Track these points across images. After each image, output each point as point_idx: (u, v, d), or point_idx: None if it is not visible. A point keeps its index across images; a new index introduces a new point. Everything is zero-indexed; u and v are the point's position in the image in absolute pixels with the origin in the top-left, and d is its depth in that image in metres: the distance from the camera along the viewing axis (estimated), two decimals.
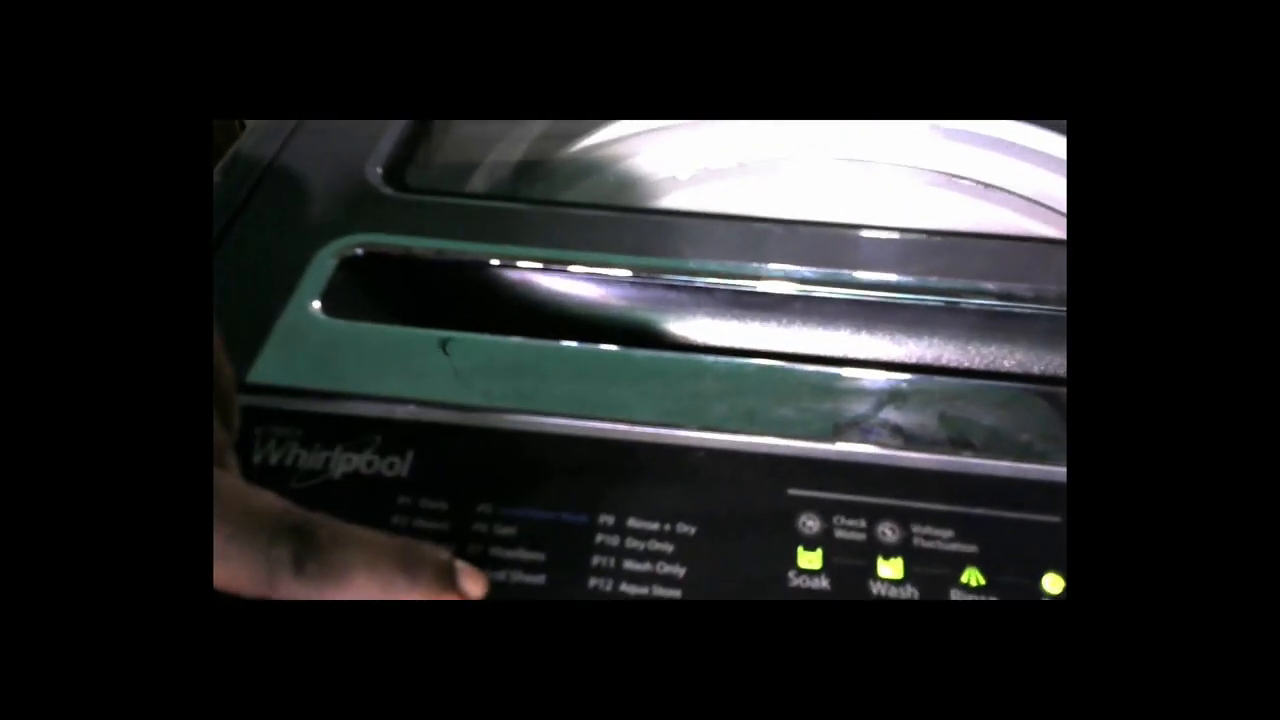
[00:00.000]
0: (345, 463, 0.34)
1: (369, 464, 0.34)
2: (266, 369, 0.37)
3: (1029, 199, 0.63)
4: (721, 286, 0.41)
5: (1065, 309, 0.40)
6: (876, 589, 0.32)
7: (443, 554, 0.30)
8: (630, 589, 0.32)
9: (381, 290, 0.41)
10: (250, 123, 0.53)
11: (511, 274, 0.42)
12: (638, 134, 0.65)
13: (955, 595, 0.32)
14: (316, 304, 0.39)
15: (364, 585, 0.28)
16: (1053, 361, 0.40)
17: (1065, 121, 0.63)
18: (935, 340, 0.40)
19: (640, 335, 0.40)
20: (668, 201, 0.62)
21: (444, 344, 0.38)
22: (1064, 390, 0.37)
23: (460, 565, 0.30)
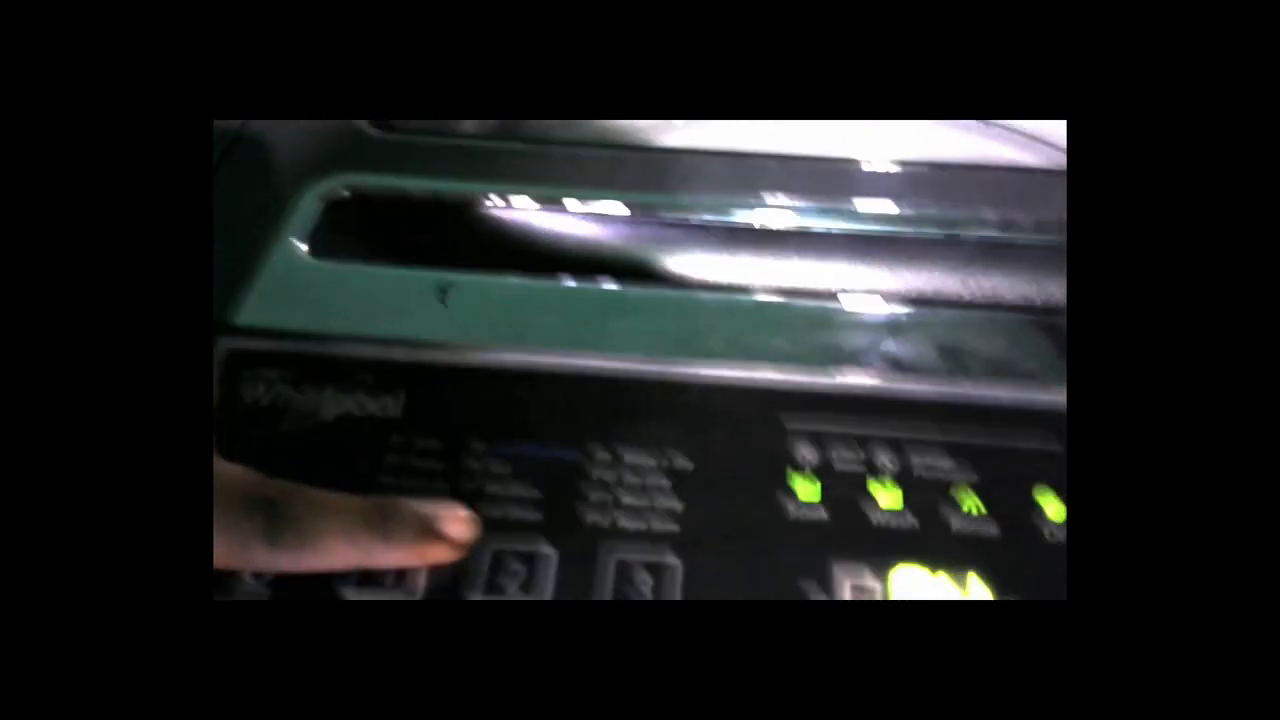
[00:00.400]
0: (336, 404, 0.34)
1: (360, 405, 0.34)
2: (253, 311, 0.36)
3: (1027, 134, 0.61)
4: (716, 222, 0.41)
5: (1061, 238, 0.39)
6: (875, 519, 0.32)
7: (421, 508, 0.30)
8: (627, 523, 0.31)
9: (369, 231, 0.40)
10: None
11: (501, 212, 0.41)
12: None
13: (955, 524, 0.31)
14: (303, 246, 0.38)
15: (343, 552, 0.28)
16: (1050, 291, 0.39)
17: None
18: (932, 272, 0.40)
19: (634, 271, 0.39)
20: (662, 140, 0.60)
21: (441, 288, 0.37)
22: (1060, 319, 0.36)
23: (443, 512, 0.30)
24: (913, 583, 0.30)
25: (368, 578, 0.30)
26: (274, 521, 0.27)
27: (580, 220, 0.41)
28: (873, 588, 0.30)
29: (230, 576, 0.30)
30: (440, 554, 0.30)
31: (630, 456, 0.33)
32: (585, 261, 0.39)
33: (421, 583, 0.30)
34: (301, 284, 0.37)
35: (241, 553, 0.27)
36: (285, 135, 0.44)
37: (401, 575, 0.30)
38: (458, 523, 0.30)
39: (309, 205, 0.40)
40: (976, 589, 0.30)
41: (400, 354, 0.35)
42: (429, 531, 0.29)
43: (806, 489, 0.32)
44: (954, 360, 0.35)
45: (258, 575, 0.30)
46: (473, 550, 0.30)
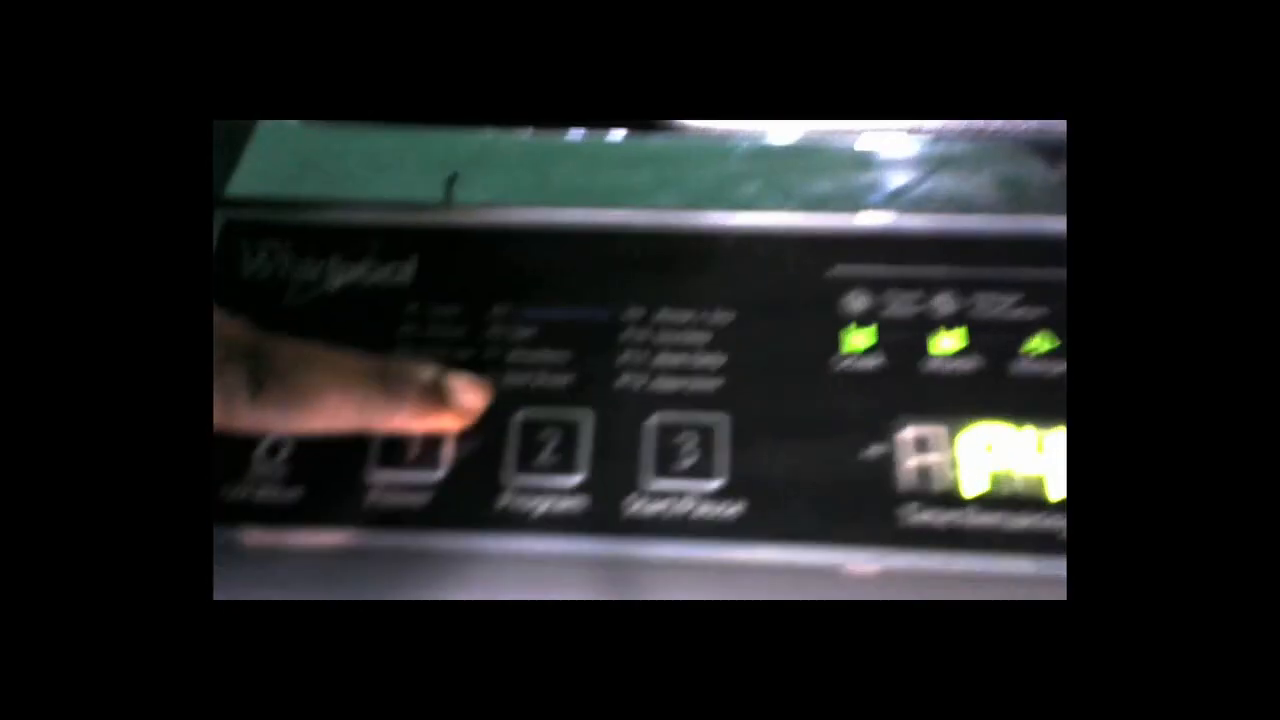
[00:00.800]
0: (343, 273, 0.31)
1: (370, 271, 0.31)
2: (247, 179, 0.33)
3: None
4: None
5: None
6: (934, 365, 0.29)
7: (429, 369, 0.27)
8: (665, 384, 0.29)
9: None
10: None
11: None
12: None
13: (1021, 365, 0.29)
14: None
15: (337, 408, 0.26)
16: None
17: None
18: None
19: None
20: None
21: (449, 179, 0.34)
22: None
23: (454, 378, 0.28)
24: (982, 443, 0.28)
25: (391, 454, 0.28)
26: (258, 373, 0.25)
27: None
28: (937, 445, 0.27)
29: (242, 465, 0.28)
30: (447, 420, 0.27)
31: (666, 313, 0.30)
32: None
33: (448, 456, 0.28)
34: (297, 149, 0.34)
35: (224, 407, 0.25)
36: None
37: (427, 451, 0.28)
38: (466, 387, 0.28)
39: None
40: (1051, 441, 0.27)
41: (408, 218, 0.32)
42: (434, 394, 0.27)
43: (858, 335, 0.29)
44: (1016, 189, 0.32)
45: (271, 452, 0.28)
46: (498, 419, 0.28)
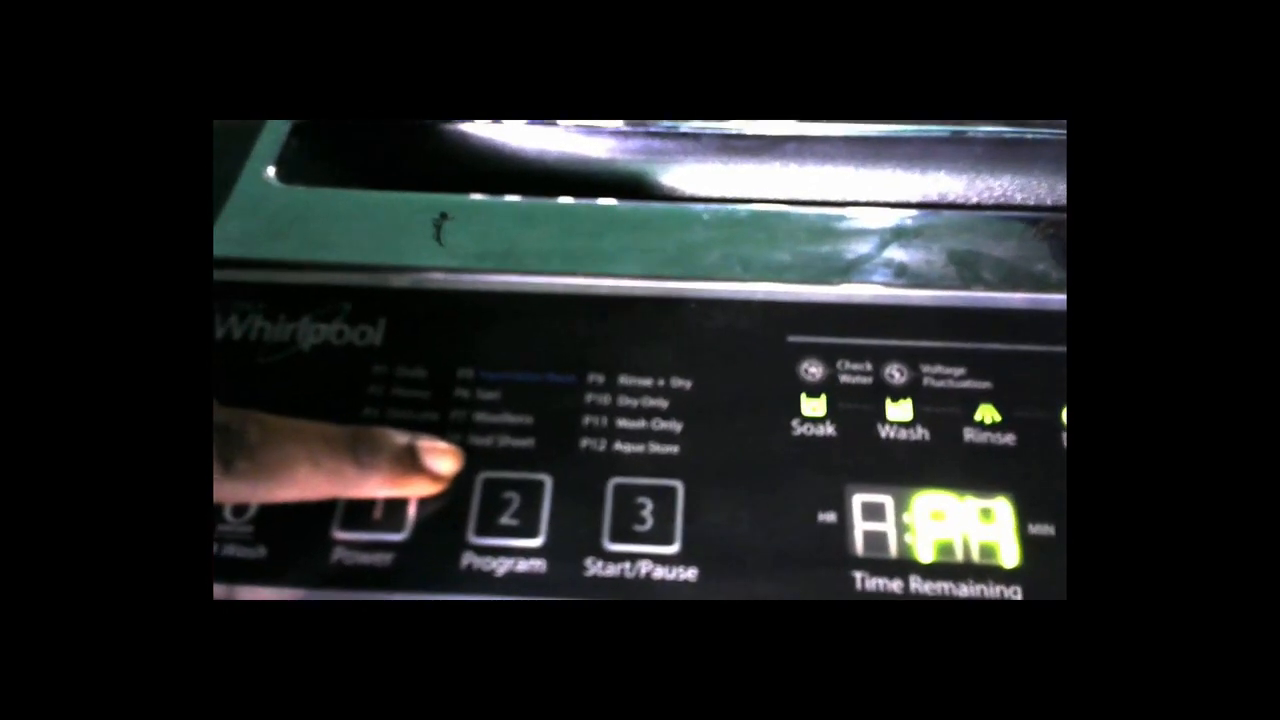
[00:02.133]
0: (314, 333, 0.32)
1: (339, 334, 0.32)
2: (223, 241, 0.34)
3: None
4: (709, 132, 0.39)
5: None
6: (885, 432, 0.30)
7: (398, 436, 0.28)
8: (625, 448, 0.30)
9: (340, 153, 0.38)
10: None
11: (482, 129, 0.39)
12: None
13: (969, 434, 0.30)
14: (271, 170, 0.36)
15: (308, 479, 0.27)
16: (1064, 189, 0.37)
17: None
18: (939, 173, 0.38)
19: (623, 186, 0.37)
20: None
21: (439, 216, 0.35)
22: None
23: (425, 443, 0.28)
24: (931, 510, 0.29)
25: (355, 516, 0.29)
26: (227, 447, 0.25)
27: (568, 135, 0.39)
28: (888, 512, 0.28)
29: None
30: (420, 485, 0.28)
31: (626, 379, 0.31)
32: (576, 177, 0.37)
33: (410, 518, 0.29)
34: (272, 211, 0.35)
35: None
36: None
37: (390, 512, 0.29)
38: (438, 453, 0.28)
39: (276, 129, 0.38)
40: (1000, 508, 0.28)
41: (379, 279, 0.33)
42: (407, 460, 0.28)
43: (812, 403, 0.30)
44: (965, 264, 0.33)
45: (237, 513, 0.28)
46: (462, 481, 0.29)
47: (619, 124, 0.38)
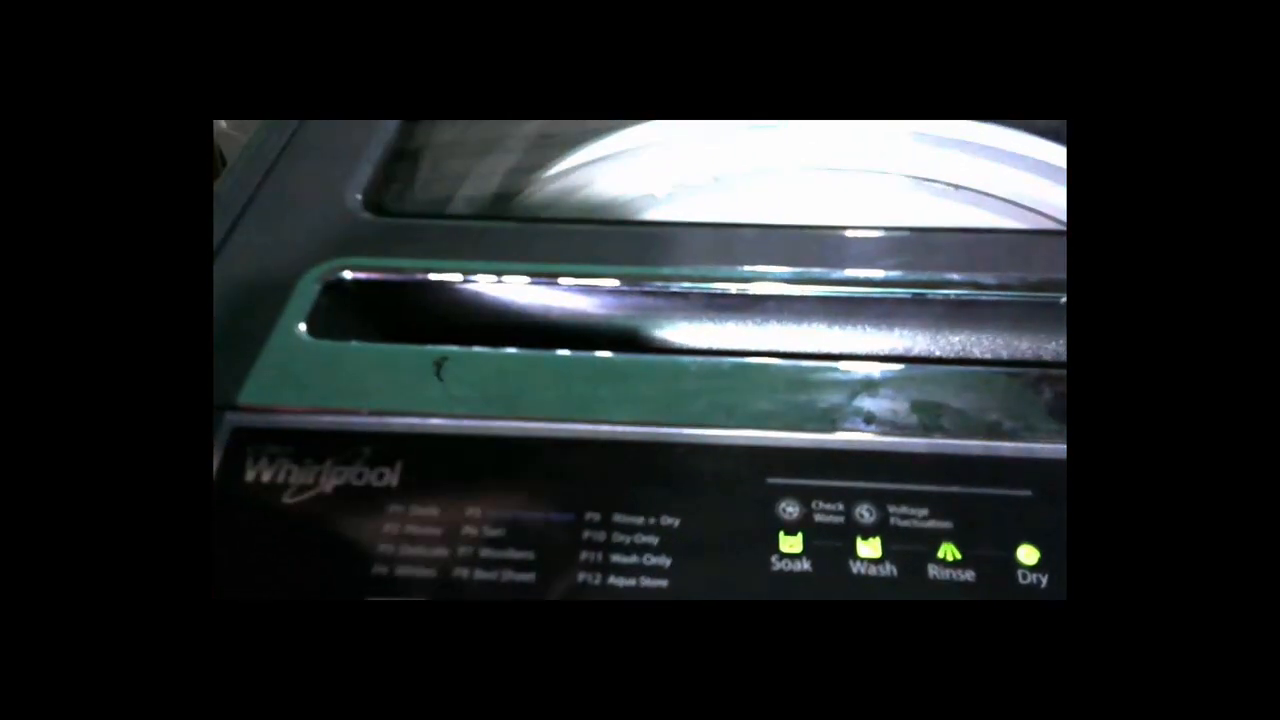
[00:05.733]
0: (336, 475, 0.35)
1: (359, 475, 0.35)
2: (257, 390, 0.38)
3: (998, 197, 0.64)
4: (696, 290, 0.43)
5: (1028, 295, 0.41)
6: (856, 569, 0.33)
7: None
8: (618, 581, 0.33)
9: (364, 311, 0.42)
10: (230, 161, 0.55)
11: (490, 289, 0.43)
12: (611, 156, 0.66)
13: (933, 571, 0.33)
14: (302, 326, 0.40)
15: None
16: (1017, 346, 0.41)
17: (1026, 121, 0.65)
18: (905, 331, 0.42)
19: (619, 340, 0.41)
20: (645, 216, 0.63)
21: (437, 362, 0.39)
22: (1029, 371, 0.38)
23: None
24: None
25: None
26: None
27: (567, 293, 0.43)
28: None
29: None
30: None
31: (620, 517, 0.34)
32: (575, 333, 0.41)
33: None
34: (302, 363, 0.39)
35: None
36: (283, 223, 0.46)
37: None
38: None
39: (308, 288, 0.42)
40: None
41: (397, 426, 0.37)
42: None
43: (789, 541, 0.33)
44: (928, 414, 0.36)
45: None
46: None
47: (615, 283, 0.42)
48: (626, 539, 0.34)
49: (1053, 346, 0.41)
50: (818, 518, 0.34)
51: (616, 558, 0.33)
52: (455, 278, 0.43)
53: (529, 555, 0.33)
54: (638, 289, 0.42)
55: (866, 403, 0.37)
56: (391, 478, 0.35)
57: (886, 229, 0.44)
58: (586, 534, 0.34)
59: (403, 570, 0.33)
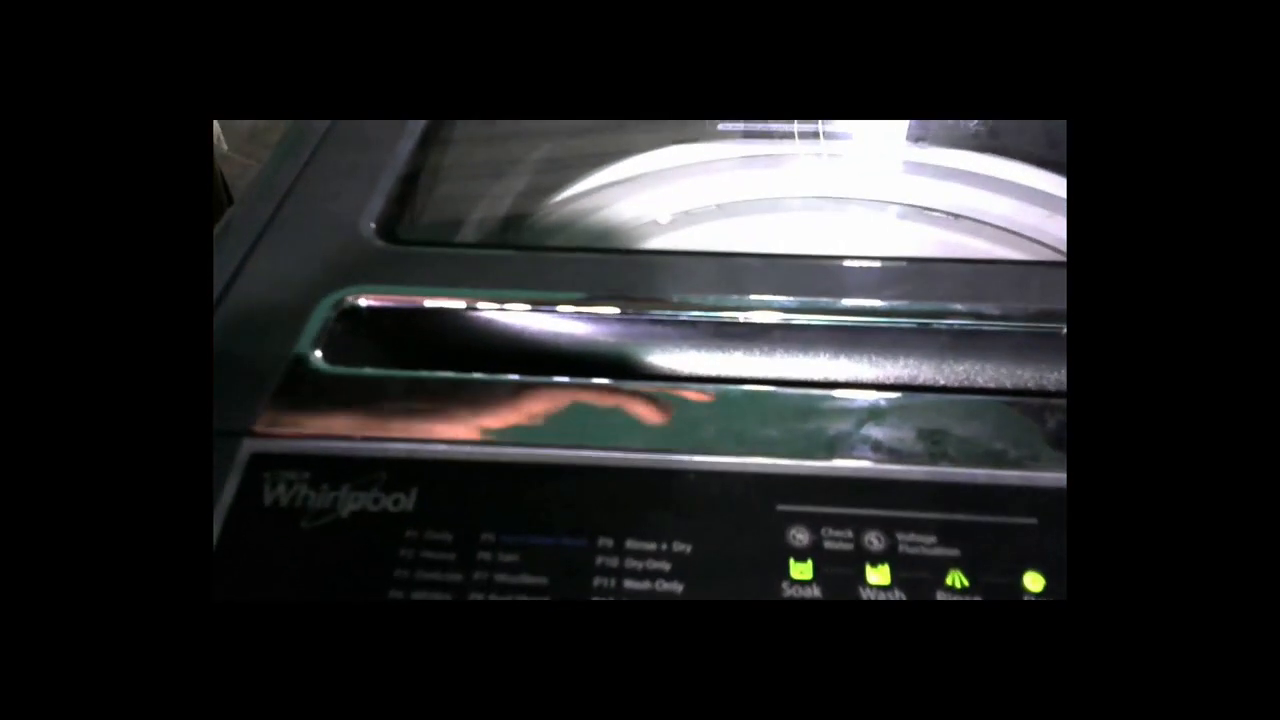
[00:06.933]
0: (353, 501, 0.36)
1: (375, 501, 0.36)
2: (273, 416, 0.38)
3: (996, 226, 0.65)
4: (706, 319, 0.43)
5: (1031, 325, 0.42)
6: (865, 595, 0.33)
7: None
8: None
9: (379, 337, 0.43)
10: (238, 195, 0.55)
11: (500, 316, 0.44)
12: (616, 183, 0.67)
13: (940, 597, 0.33)
14: (318, 353, 0.41)
15: None
16: (1021, 375, 0.42)
17: (1026, 153, 0.66)
18: (910, 360, 0.42)
19: (630, 369, 0.42)
20: (650, 245, 0.64)
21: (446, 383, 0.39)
22: (1033, 401, 0.39)
23: None
24: None
25: None
26: None
27: (580, 321, 0.43)
28: None
29: None
30: None
31: (632, 543, 0.35)
32: (586, 361, 0.42)
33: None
34: (318, 389, 0.39)
35: None
36: (297, 253, 0.47)
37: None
38: None
39: (322, 315, 0.42)
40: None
41: (412, 452, 0.37)
42: None
43: (799, 568, 0.34)
44: (935, 442, 0.37)
45: None
46: None
47: (626, 311, 0.43)
48: (639, 564, 0.34)
49: (1055, 376, 0.42)
50: (827, 544, 0.35)
51: (629, 583, 0.34)
52: (467, 305, 0.43)
53: (543, 580, 0.34)
54: (648, 317, 0.43)
55: (874, 430, 0.38)
56: (407, 503, 0.36)
57: (892, 260, 0.45)
58: (600, 559, 0.34)
59: (418, 594, 0.33)
